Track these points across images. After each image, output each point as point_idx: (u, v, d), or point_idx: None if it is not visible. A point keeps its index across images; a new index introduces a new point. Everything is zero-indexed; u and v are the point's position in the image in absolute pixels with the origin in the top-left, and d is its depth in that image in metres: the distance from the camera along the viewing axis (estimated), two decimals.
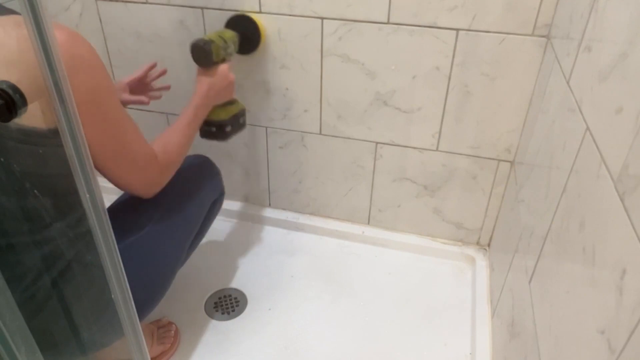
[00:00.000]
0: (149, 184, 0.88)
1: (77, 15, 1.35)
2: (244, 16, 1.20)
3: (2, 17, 0.65)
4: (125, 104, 1.13)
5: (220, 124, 1.09)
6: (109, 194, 1.38)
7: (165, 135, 0.92)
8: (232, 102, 1.12)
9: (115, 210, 0.95)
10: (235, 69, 1.27)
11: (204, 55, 1.02)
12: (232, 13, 1.21)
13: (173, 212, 0.98)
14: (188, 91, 1.37)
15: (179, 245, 1.01)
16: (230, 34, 1.13)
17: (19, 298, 0.57)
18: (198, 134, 1.05)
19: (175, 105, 1.42)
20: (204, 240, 1.46)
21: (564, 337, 0.63)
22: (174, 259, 1.00)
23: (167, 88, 1.25)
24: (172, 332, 1.15)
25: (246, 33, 1.20)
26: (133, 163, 0.82)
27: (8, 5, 0.70)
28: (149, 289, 0.93)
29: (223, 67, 1.05)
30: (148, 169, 0.85)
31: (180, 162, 0.94)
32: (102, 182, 0.59)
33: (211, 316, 1.23)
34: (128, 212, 0.94)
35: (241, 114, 1.15)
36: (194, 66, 1.33)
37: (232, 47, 1.12)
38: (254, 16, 1.20)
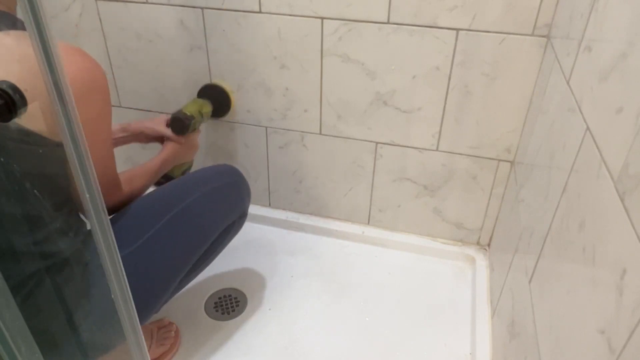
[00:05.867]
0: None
1: (77, 15, 1.35)
2: (217, 87, 1.33)
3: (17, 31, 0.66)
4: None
5: (169, 178, 1.18)
6: None
7: (133, 172, 0.98)
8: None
9: (126, 211, 0.95)
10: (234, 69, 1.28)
11: (181, 127, 1.14)
12: (205, 83, 1.34)
13: (184, 221, 0.95)
14: (187, 91, 1.38)
15: (183, 256, 0.97)
16: (208, 109, 1.30)
17: (19, 298, 0.57)
18: None
19: (174, 105, 1.42)
20: None
21: (564, 337, 0.63)
22: (174, 269, 0.96)
23: None
24: (173, 332, 1.15)
25: (218, 101, 1.34)
26: (101, 185, 0.84)
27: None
28: (143, 296, 0.90)
29: (193, 138, 1.19)
30: (110, 194, 0.90)
31: (133, 200, 0.97)
32: None
33: (211, 316, 1.23)
34: (139, 211, 0.94)
35: (189, 169, 1.27)
36: (193, 66, 1.34)
37: (206, 119, 1.28)
38: (227, 88, 1.33)
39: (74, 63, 0.72)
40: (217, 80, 1.34)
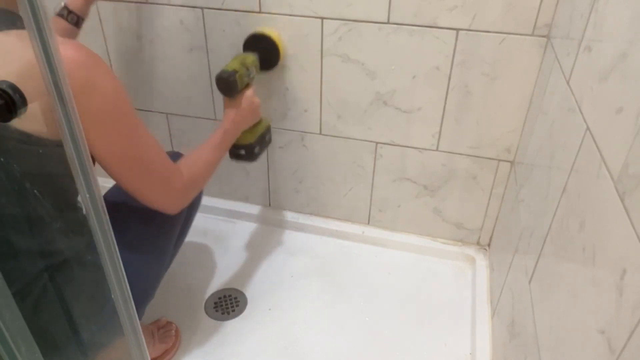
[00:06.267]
0: (172, 200, 0.89)
1: None
2: (261, 35, 1.20)
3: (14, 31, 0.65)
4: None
5: (248, 147, 1.13)
6: None
7: (192, 154, 0.94)
8: (258, 122, 1.15)
9: None
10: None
11: (229, 86, 1.04)
12: (250, 33, 1.21)
13: (145, 217, 0.94)
14: (188, 91, 1.38)
15: (159, 249, 0.99)
16: (251, 59, 1.14)
17: (19, 298, 0.57)
18: (227, 155, 1.08)
19: (175, 105, 1.42)
20: (205, 240, 1.46)
21: (564, 337, 0.63)
22: (157, 264, 0.99)
23: None
24: (173, 331, 1.15)
25: (265, 51, 1.21)
26: (154, 179, 0.83)
27: None
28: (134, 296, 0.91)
29: (248, 94, 1.08)
30: (170, 184, 0.86)
31: (205, 182, 0.95)
32: (102, 182, 0.59)
33: (211, 316, 1.23)
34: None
35: (267, 131, 1.19)
36: (193, 66, 1.33)
37: (254, 71, 1.14)
38: (272, 33, 1.20)
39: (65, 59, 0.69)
40: (259, 29, 1.21)
